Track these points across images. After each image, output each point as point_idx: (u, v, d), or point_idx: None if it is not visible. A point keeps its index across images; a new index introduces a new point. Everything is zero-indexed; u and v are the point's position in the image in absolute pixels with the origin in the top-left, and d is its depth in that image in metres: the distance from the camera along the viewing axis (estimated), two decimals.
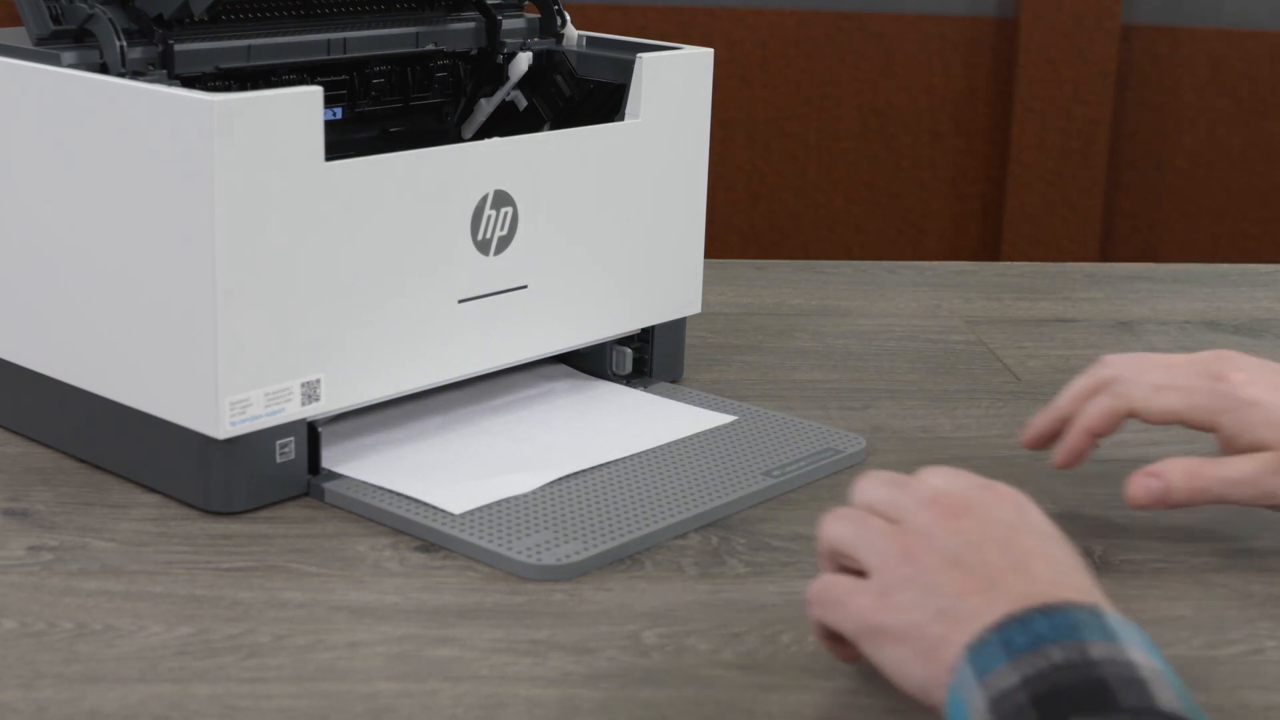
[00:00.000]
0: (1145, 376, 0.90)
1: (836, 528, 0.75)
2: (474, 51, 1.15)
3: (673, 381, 1.14)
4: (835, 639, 0.74)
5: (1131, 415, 0.90)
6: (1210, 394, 0.88)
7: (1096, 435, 0.91)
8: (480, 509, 0.91)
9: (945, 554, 0.70)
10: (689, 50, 1.09)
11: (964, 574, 0.69)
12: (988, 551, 0.69)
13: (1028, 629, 0.64)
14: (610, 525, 0.90)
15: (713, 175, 1.21)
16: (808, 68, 2.97)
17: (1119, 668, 0.62)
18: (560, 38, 1.14)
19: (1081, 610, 0.65)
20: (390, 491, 0.93)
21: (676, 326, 1.14)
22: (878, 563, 0.71)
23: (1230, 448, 0.88)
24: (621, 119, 1.06)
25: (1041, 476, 0.97)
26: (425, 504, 0.92)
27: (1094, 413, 0.91)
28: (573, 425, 1.04)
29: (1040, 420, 0.94)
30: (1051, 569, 0.69)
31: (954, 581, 0.69)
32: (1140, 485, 0.88)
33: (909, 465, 0.77)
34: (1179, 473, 0.87)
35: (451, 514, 0.91)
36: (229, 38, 1.01)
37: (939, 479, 0.75)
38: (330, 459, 0.96)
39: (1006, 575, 0.68)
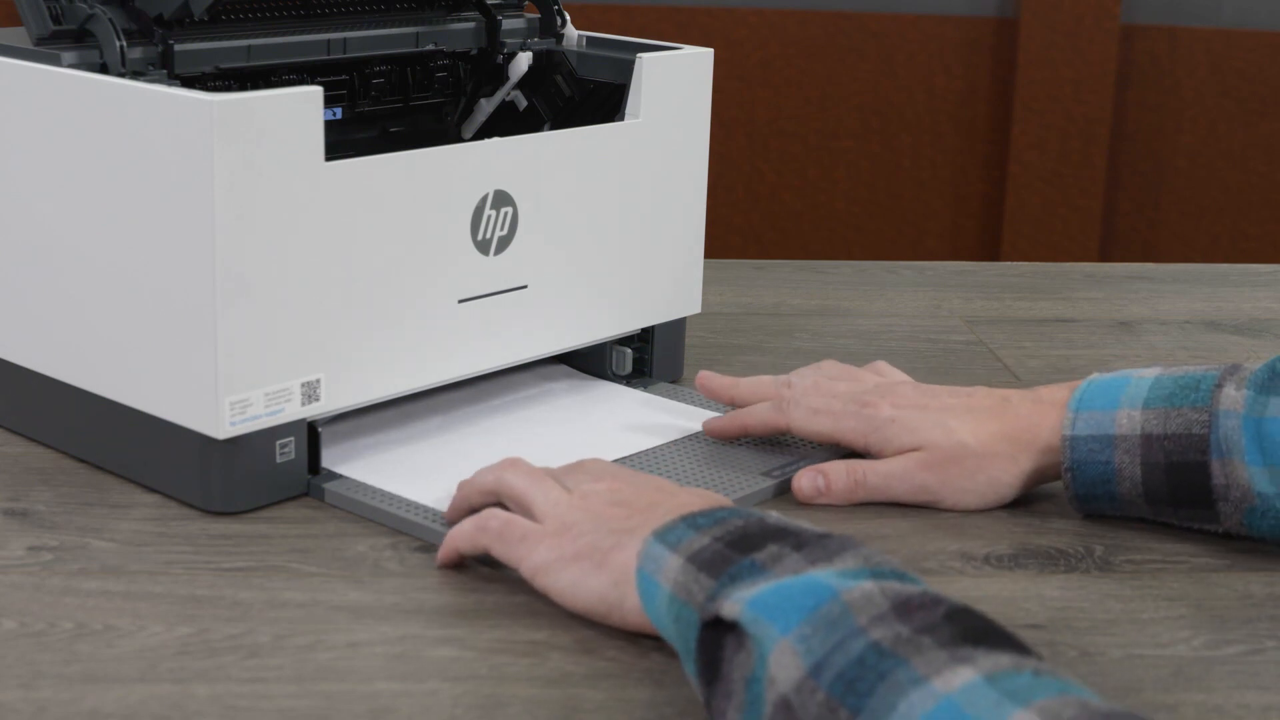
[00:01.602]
0: (809, 400, 0.98)
1: (511, 477, 0.85)
2: (474, 51, 1.15)
3: (673, 381, 1.14)
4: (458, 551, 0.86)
5: (788, 432, 0.99)
6: (856, 418, 0.97)
7: (747, 433, 1.01)
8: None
9: (609, 499, 0.82)
10: (689, 50, 1.09)
11: (627, 508, 0.81)
12: (644, 493, 0.83)
13: (709, 515, 0.76)
14: None
15: (713, 175, 1.21)
16: (808, 68, 2.97)
17: (794, 523, 0.74)
18: (560, 38, 1.14)
19: (753, 509, 0.77)
20: (390, 492, 0.93)
21: (676, 326, 1.14)
22: (550, 510, 0.83)
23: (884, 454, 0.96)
24: (621, 119, 1.06)
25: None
26: (425, 505, 0.92)
27: (756, 416, 1.00)
28: (573, 425, 1.04)
29: (719, 385, 1.04)
30: (703, 499, 0.81)
31: (620, 512, 0.81)
32: (806, 479, 0.96)
33: None
34: (841, 469, 0.96)
35: None
36: (229, 38, 1.01)
37: (596, 465, 0.88)
38: (330, 459, 0.96)
39: (665, 500, 0.81)
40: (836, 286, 1.42)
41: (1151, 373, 0.92)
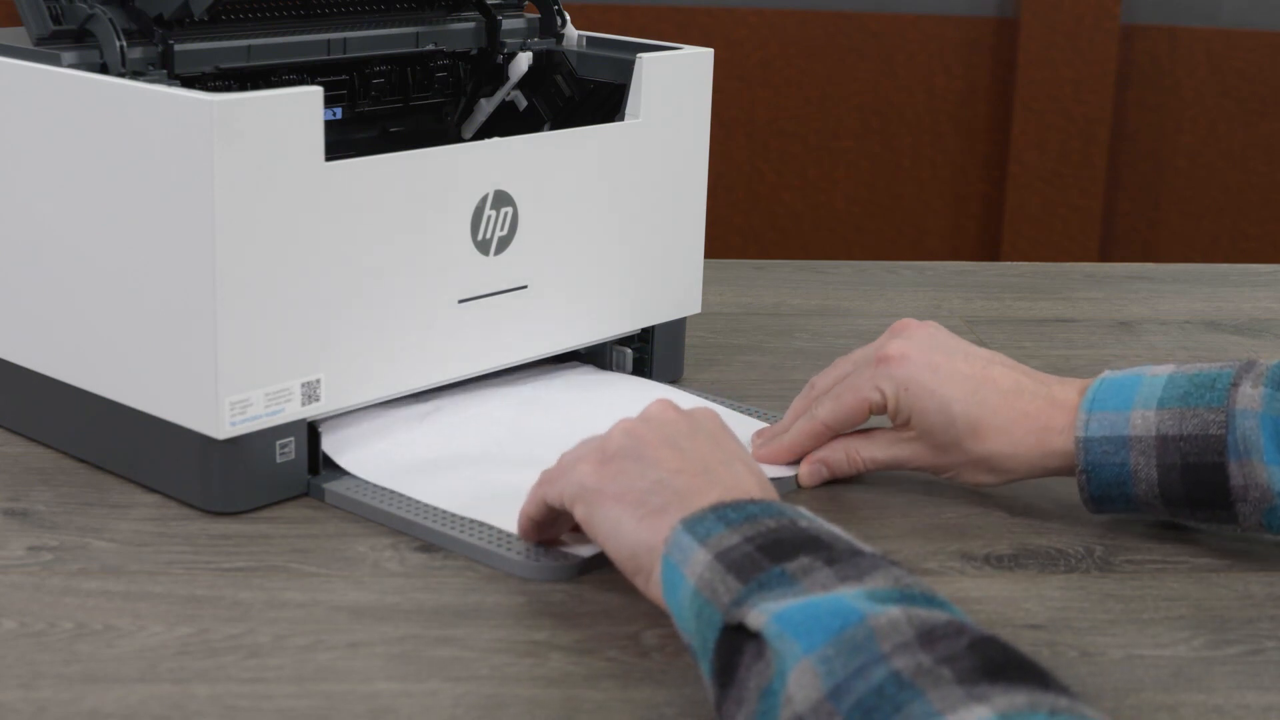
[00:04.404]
0: (826, 382, 0.98)
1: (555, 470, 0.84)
2: (474, 51, 1.15)
3: (673, 382, 1.14)
4: (540, 526, 0.85)
5: (829, 430, 0.98)
6: (874, 378, 0.95)
7: (801, 452, 0.99)
8: (481, 508, 0.91)
9: (662, 435, 0.80)
10: (689, 50, 1.09)
11: (680, 454, 0.79)
12: (700, 442, 0.80)
13: (740, 509, 0.74)
14: None
15: (713, 175, 1.21)
16: (808, 68, 2.97)
17: (826, 532, 0.73)
18: (560, 38, 1.15)
19: (785, 505, 0.75)
20: (391, 492, 0.93)
21: (676, 326, 1.14)
22: (599, 442, 0.81)
23: (897, 420, 0.96)
24: (621, 119, 1.06)
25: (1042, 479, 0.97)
26: (426, 504, 0.92)
27: (799, 435, 0.99)
28: (574, 425, 1.04)
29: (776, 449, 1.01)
30: (753, 474, 0.80)
31: (670, 459, 0.79)
32: (809, 472, 0.98)
33: None
34: (840, 458, 0.98)
35: (452, 514, 0.91)
36: (229, 38, 1.01)
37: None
38: (331, 456, 0.96)
39: (718, 466, 0.79)
40: (836, 286, 1.42)
41: (1165, 371, 0.91)
